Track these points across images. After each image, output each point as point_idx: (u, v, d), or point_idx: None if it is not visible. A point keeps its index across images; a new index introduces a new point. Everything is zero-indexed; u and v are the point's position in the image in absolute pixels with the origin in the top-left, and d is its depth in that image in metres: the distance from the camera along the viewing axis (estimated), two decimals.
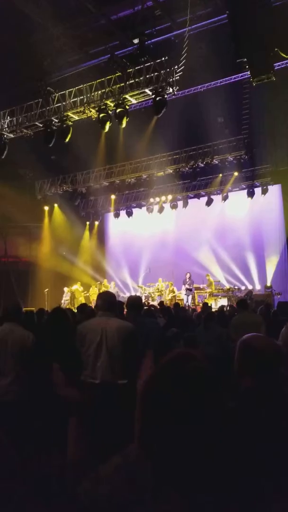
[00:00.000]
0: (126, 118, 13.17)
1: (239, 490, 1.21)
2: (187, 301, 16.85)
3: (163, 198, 20.10)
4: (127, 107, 13.43)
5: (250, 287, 18.31)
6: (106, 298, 4.17)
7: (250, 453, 1.41)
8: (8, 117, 15.32)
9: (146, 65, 12.65)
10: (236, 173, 17.80)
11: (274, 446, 1.55)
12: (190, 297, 17.09)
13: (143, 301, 16.50)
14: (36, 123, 14.81)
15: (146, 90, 12.98)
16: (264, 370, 1.82)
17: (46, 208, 21.38)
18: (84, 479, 1.18)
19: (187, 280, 17.25)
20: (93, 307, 10.72)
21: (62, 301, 18.31)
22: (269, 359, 1.84)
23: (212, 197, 19.10)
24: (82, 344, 3.88)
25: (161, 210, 20.28)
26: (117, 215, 21.57)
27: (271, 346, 1.90)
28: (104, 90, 13.55)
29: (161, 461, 1.11)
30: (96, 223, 22.73)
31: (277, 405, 1.73)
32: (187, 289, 17.05)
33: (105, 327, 3.86)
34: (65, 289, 18.79)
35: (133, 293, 19.06)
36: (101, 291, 19.19)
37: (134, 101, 13.77)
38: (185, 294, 17.03)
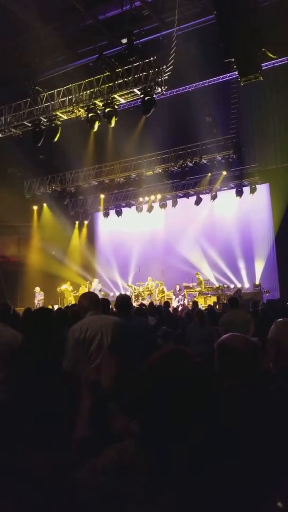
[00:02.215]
0: (115, 118, 13.17)
1: (234, 488, 1.23)
2: (182, 302, 16.83)
3: (152, 197, 20.12)
4: (116, 106, 13.43)
5: (239, 285, 18.43)
6: (92, 297, 4.18)
7: (238, 452, 1.43)
8: None
9: (134, 64, 12.66)
10: (224, 173, 17.87)
11: (260, 444, 1.57)
12: (182, 299, 17.12)
13: (133, 300, 16.53)
14: (25, 122, 14.74)
15: (135, 90, 12.99)
16: (243, 369, 1.84)
17: (35, 207, 21.28)
18: (79, 470, 1.20)
19: (177, 291, 17.36)
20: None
21: (36, 302, 18.10)
22: (246, 357, 1.87)
23: (201, 196, 19.16)
24: (82, 343, 3.84)
25: (150, 209, 20.29)
26: (106, 214, 21.53)
27: (247, 344, 1.93)
28: (92, 90, 13.54)
29: (157, 456, 1.13)
30: (86, 222, 22.65)
31: (261, 401, 1.76)
32: (179, 300, 17.12)
33: (101, 323, 3.86)
34: (37, 288, 18.59)
35: (123, 292, 19.04)
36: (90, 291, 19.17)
37: (123, 100, 13.77)
38: (177, 305, 17.07)
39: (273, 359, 2.12)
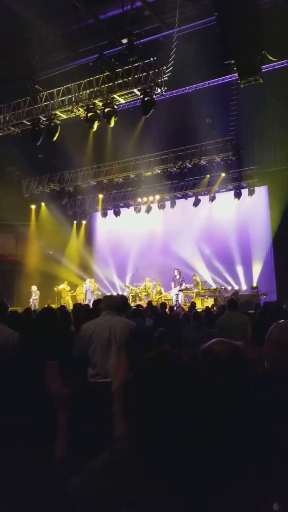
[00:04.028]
0: (115, 118, 13.17)
1: (227, 489, 1.23)
2: (178, 300, 16.74)
3: (151, 198, 20.12)
4: (115, 106, 13.44)
5: (236, 287, 18.43)
6: (110, 299, 4.31)
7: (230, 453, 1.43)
8: None
9: (134, 65, 12.67)
10: (223, 174, 17.88)
11: (253, 447, 1.56)
12: (180, 295, 16.97)
13: (130, 301, 16.50)
14: (24, 121, 14.73)
15: (135, 90, 12.99)
16: (225, 373, 1.84)
17: (33, 206, 21.23)
18: (72, 475, 1.19)
19: (177, 276, 17.16)
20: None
21: (30, 301, 18.00)
22: (228, 362, 1.87)
23: (200, 197, 19.17)
24: (88, 343, 3.86)
25: (148, 210, 20.30)
26: (104, 214, 21.53)
27: (230, 349, 1.92)
28: (92, 89, 13.53)
29: (149, 459, 1.12)
30: (84, 222, 22.64)
31: (246, 407, 1.75)
32: (179, 290, 16.95)
33: (112, 324, 3.89)
34: (33, 287, 18.50)
35: (120, 293, 19.01)
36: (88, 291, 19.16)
37: (122, 100, 13.77)
38: (176, 294, 16.95)
39: (275, 361, 2.09)
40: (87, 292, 18.64)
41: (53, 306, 16.11)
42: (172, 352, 1.27)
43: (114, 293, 19.58)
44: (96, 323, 3.99)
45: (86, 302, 16.40)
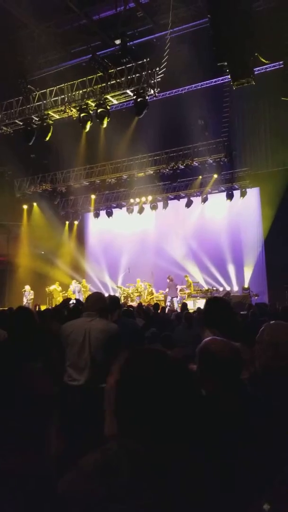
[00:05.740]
0: (107, 118, 13.17)
1: (214, 490, 1.23)
2: (170, 301, 16.87)
3: (143, 198, 20.11)
4: (108, 107, 13.44)
5: (228, 288, 18.48)
6: (93, 298, 4.03)
7: (220, 456, 1.43)
8: None
9: (127, 66, 12.69)
10: (215, 175, 17.92)
11: (240, 450, 1.57)
12: (178, 298, 17.08)
13: (122, 301, 16.50)
14: (16, 121, 14.68)
15: (128, 91, 13.01)
16: (224, 373, 1.84)
17: (25, 206, 21.14)
18: (62, 473, 1.19)
19: (169, 281, 17.28)
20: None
21: (25, 301, 17.89)
22: (227, 361, 1.86)
23: (192, 198, 19.19)
24: (66, 344, 3.78)
25: (141, 210, 20.28)
26: (97, 215, 21.48)
27: (229, 349, 1.92)
28: (85, 90, 13.53)
29: (139, 457, 1.12)
30: (76, 222, 22.59)
31: (241, 406, 1.76)
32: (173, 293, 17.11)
33: (88, 327, 3.71)
34: (26, 287, 18.40)
35: (112, 294, 18.99)
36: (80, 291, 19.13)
37: (115, 101, 13.78)
38: (174, 297, 17.07)
39: (268, 362, 2.08)
40: (75, 292, 18.65)
41: (45, 306, 16.10)
42: (158, 349, 1.27)
43: (106, 294, 19.51)
44: (74, 325, 3.83)
45: None
